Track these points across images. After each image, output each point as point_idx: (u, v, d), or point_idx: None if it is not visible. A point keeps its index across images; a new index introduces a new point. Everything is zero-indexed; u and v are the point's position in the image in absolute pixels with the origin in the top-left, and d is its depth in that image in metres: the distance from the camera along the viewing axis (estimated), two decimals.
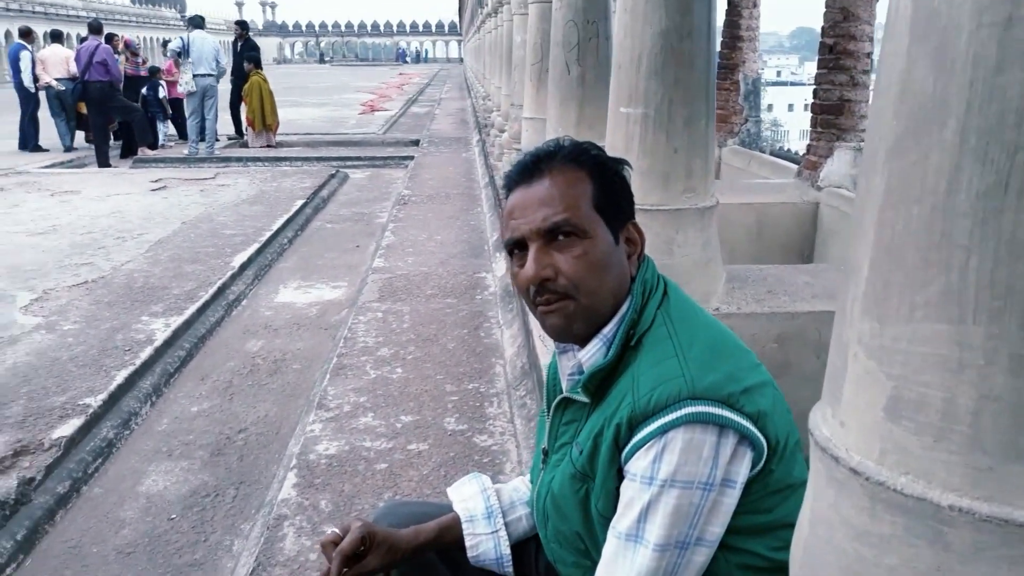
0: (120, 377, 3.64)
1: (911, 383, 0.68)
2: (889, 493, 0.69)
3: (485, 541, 1.38)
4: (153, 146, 11.76)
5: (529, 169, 1.18)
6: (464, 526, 1.38)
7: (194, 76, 11.10)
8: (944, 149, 0.65)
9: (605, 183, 1.17)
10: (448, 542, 1.39)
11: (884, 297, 0.70)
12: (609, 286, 1.16)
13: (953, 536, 0.66)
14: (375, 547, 1.32)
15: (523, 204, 1.16)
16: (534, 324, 3.45)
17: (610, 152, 2.57)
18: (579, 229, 1.13)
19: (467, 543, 1.38)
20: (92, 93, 10.69)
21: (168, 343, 4.18)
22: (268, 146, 12.50)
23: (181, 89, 11.40)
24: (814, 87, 4.66)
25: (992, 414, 0.64)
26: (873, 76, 4.21)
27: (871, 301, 0.71)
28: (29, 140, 11.85)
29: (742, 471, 1.05)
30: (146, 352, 3.96)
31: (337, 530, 1.32)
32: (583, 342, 1.21)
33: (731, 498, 1.05)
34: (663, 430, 1.02)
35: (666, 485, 1.02)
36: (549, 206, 1.14)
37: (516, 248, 1.19)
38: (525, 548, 1.43)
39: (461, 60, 50.97)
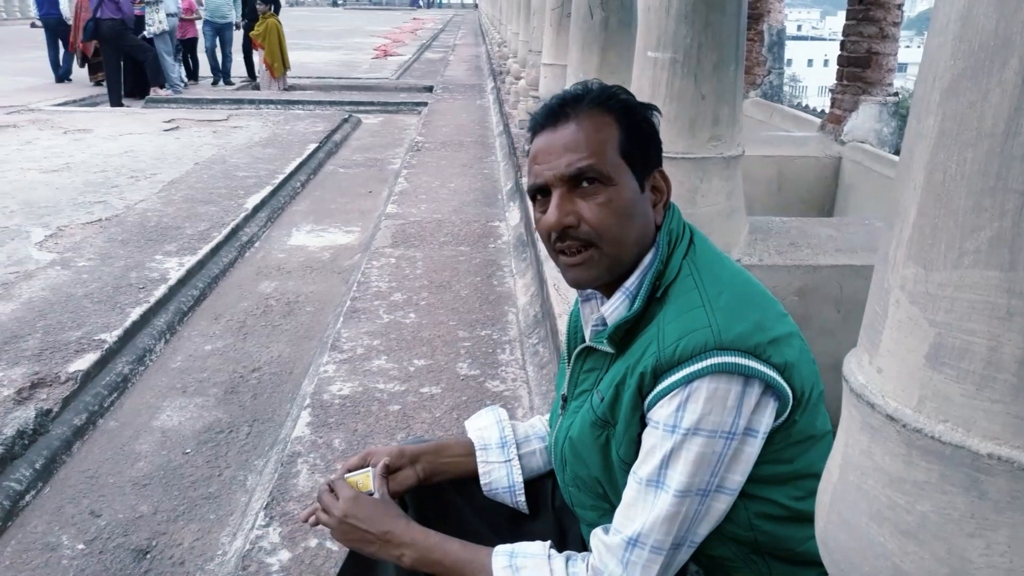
0: (135, 314, 3.66)
1: (955, 330, 0.67)
2: (926, 440, 0.69)
3: (497, 469, 1.39)
4: (163, 86, 11.59)
5: (555, 112, 1.15)
6: (478, 454, 1.40)
7: (168, 16, 11.07)
8: (1004, 90, 0.62)
9: (632, 128, 1.15)
10: (454, 460, 1.41)
11: (931, 242, 0.68)
12: (633, 235, 1.14)
13: (989, 484, 0.66)
14: (366, 456, 1.40)
15: (547, 149, 1.14)
16: (548, 273, 3.44)
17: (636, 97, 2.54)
18: (604, 176, 1.11)
19: (480, 471, 1.39)
20: (104, 31, 10.47)
21: (182, 282, 4.20)
22: (285, 90, 12.41)
23: (149, 31, 11.00)
24: (841, 39, 4.56)
25: None
26: (903, 31, 4.11)
27: (917, 246, 0.70)
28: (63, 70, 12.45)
29: (765, 421, 1.05)
30: (160, 290, 3.98)
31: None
32: (606, 291, 1.19)
33: (753, 447, 1.05)
34: (688, 379, 1.02)
35: (689, 433, 1.02)
36: (574, 151, 1.11)
37: (539, 194, 1.17)
38: (541, 485, 1.44)
39: (475, 6, 50.12)
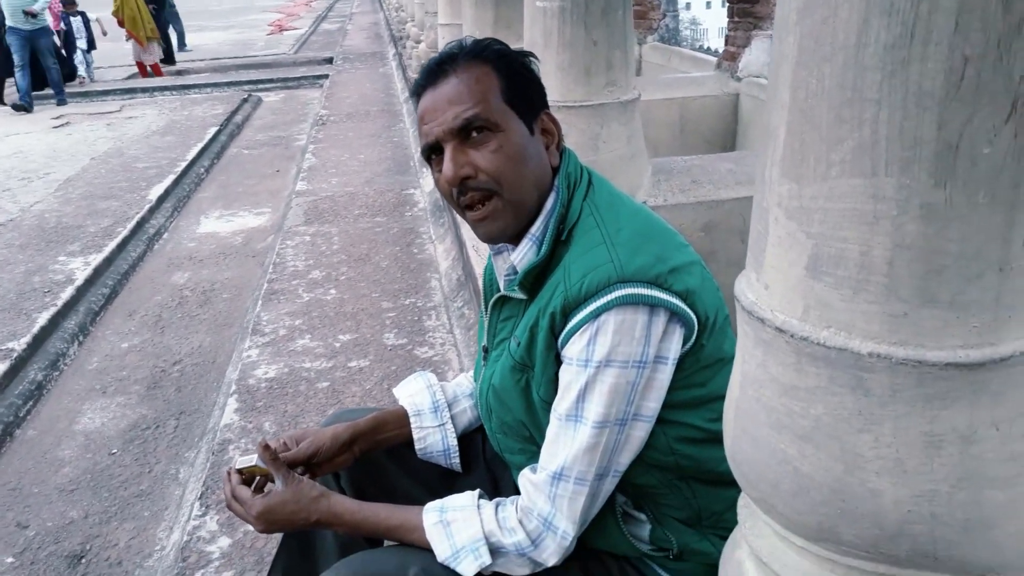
0: (43, 319, 3.53)
1: (830, 239, 0.70)
2: (813, 347, 0.72)
3: (432, 434, 1.41)
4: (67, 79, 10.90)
5: (434, 72, 1.16)
6: (412, 420, 1.41)
7: None
8: (852, 3, 0.65)
9: (512, 75, 1.16)
10: (390, 432, 1.41)
11: (801, 158, 0.71)
12: (531, 177, 1.15)
13: (872, 382, 0.70)
14: (299, 439, 1.37)
15: (433, 107, 1.15)
16: (467, 235, 3.44)
17: (529, 48, 2.54)
18: (491, 123, 1.12)
19: (415, 436, 1.40)
20: None
21: (90, 281, 4.05)
22: (163, 61, 11.93)
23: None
24: None
25: (905, 262, 0.66)
26: None
27: (788, 163, 0.73)
28: None
29: (673, 347, 1.08)
30: (67, 292, 3.84)
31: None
32: (515, 241, 1.21)
33: (664, 374, 1.08)
34: (596, 314, 1.04)
35: (602, 365, 1.04)
36: (458, 104, 1.12)
37: (433, 153, 1.17)
38: (471, 441, 1.46)
39: None
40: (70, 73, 11.04)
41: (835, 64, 0.67)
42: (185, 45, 14.05)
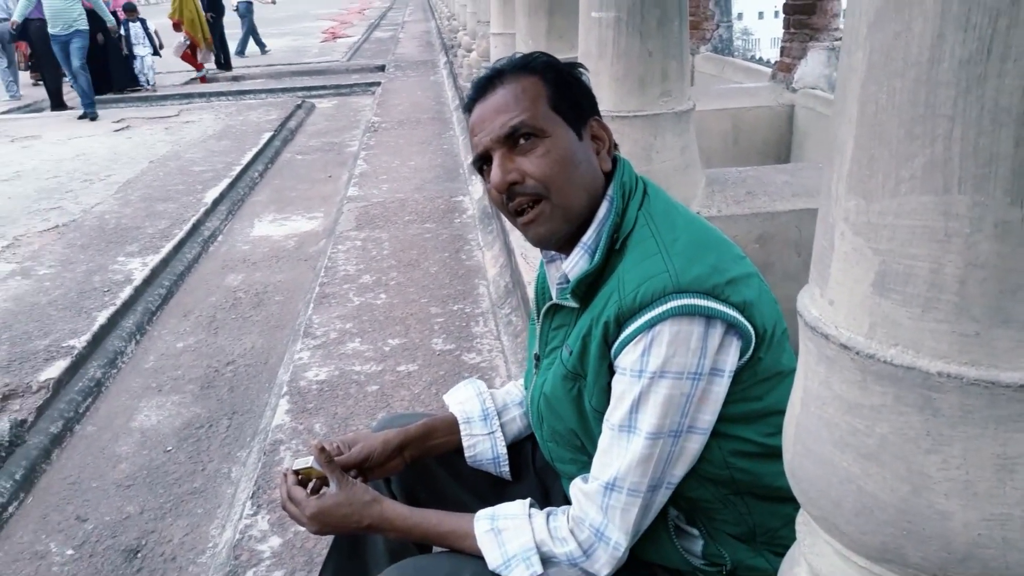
0: (102, 317, 3.63)
1: (898, 256, 0.69)
2: (879, 365, 0.71)
3: (482, 442, 1.41)
4: (123, 88, 11.18)
5: (484, 85, 1.20)
6: (461, 427, 1.42)
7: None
8: (926, 18, 0.64)
9: (559, 83, 1.19)
10: (440, 440, 1.42)
11: (869, 173, 0.70)
12: (580, 181, 1.17)
13: (941, 402, 0.68)
14: (351, 443, 1.38)
15: (481, 118, 1.18)
16: (515, 242, 3.45)
17: (584, 59, 2.55)
18: (537, 129, 1.14)
19: (464, 444, 1.41)
20: (31, 32, 9.81)
21: (147, 281, 4.16)
22: (220, 67, 12.21)
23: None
24: None
25: (978, 281, 0.65)
26: None
27: (856, 178, 0.72)
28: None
29: (730, 359, 1.07)
30: (126, 291, 3.94)
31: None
32: (566, 248, 1.21)
33: (720, 386, 1.07)
34: (651, 324, 1.04)
35: (656, 376, 1.04)
36: (505, 112, 1.15)
37: (484, 163, 1.20)
38: (521, 449, 1.47)
39: None
40: (132, 79, 11.30)
41: (907, 79, 0.66)
42: (243, 53, 14.33)
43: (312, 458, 1.31)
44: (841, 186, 0.74)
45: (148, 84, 11.22)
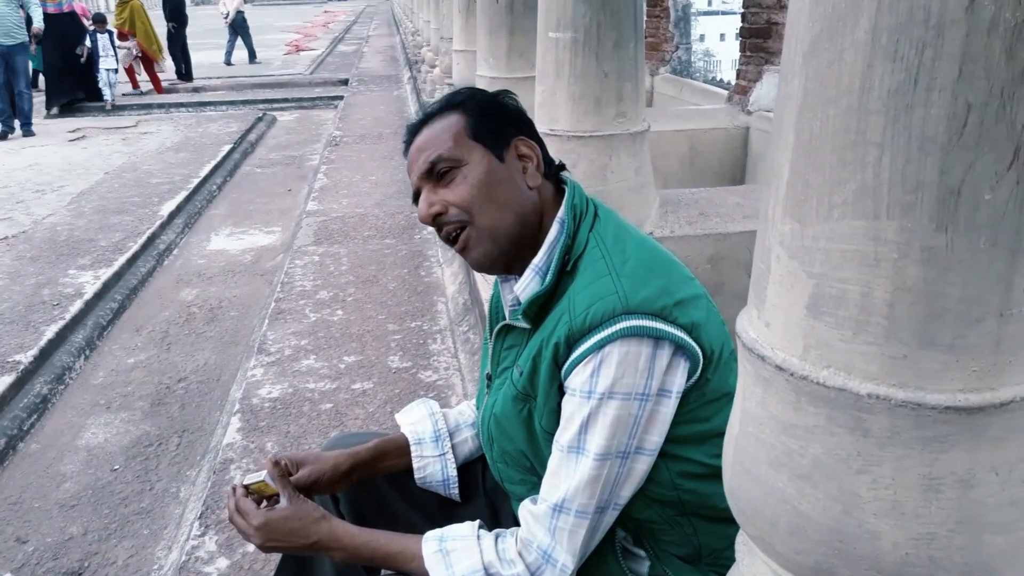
0: (50, 332, 3.54)
1: (831, 280, 0.70)
2: (812, 386, 0.72)
3: (432, 463, 1.41)
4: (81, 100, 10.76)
5: (414, 128, 1.26)
6: (412, 448, 1.41)
7: None
8: (857, 48, 0.66)
9: (479, 112, 1.22)
10: (391, 462, 1.41)
11: (804, 198, 0.72)
12: (502, 200, 1.19)
13: (871, 423, 0.70)
14: (300, 463, 1.35)
15: (410, 159, 1.24)
16: None
17: (541, 79, 2.56)
18: (453, 160, 1.18)
19: (415, 465, 1.40)
20: None
21: (99, 295, 4.07)
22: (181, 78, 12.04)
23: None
24: (742, 11, 4.67)
25: (906, 305, 0.67)
26: None
27: (792, 203, 0.73)
28: None
29: (678, 381, 1.08)
30: (76, 306, 3.85)
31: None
32: (517, 270, 1.22)
33: (668, 407, 1.08)
34: (600, 345, 1.05)
35: (605, 397, 1.05)
36: (426, 150, 1.21)
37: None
38: (471, 469, 1.46)
39: None
40: (96, 92, 10.85)
41: (839, 107, 0.68)
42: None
43: (264, 473, 1.29)
44: (777, 210, 0.76)
45: (111, 99, 10.74)
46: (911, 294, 0.66)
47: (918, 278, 0.66)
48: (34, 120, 9.05)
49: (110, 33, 10.98)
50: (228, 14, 14.98)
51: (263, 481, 1.29)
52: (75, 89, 10.47)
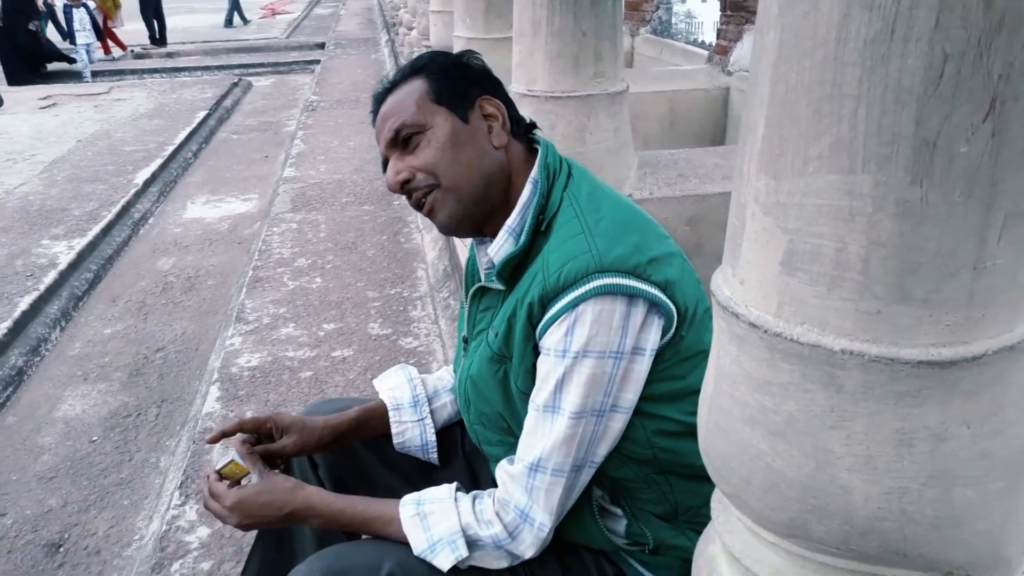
0: (24, 303, 3.49)
1: (805, 235, 0.69)
2: (786, 343, 0.72)
3: (411, 429, 1.40)
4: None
5: (380, 98, 1.25)
6: (391, 414, 1.40)
7: None
8: None
9: (440, 76, 1.21)
10: (372, 429, 1.41)
11: (779, 153, 0.71)
12: (466, 161, 1.18)
13: (845, 378, 0.70)
14: (287, 430, 1.34)
15: (377, 129, 1.24)
16: None
17: (518, 38, 2.52)
18: (416, 125, 1.18)
19: (393, 431, 1.40)
20: None
21: (73, 266, 4.02)
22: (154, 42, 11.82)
23: None
24: None
25: (880, 259, 0.66)
26: None
27: (767, 158, 0.72)
28: None
29: (652, 338, 1.07)
30: (50, 276, 3.80)
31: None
32: (488, 231, 1.21)
33: (642, 365, 1.08)
34: (574, 304, 1.04)
35: (579, 356, 1.04)
36: (390, 118, 1.20)
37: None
38: (450, 434, 1.46)
39: None
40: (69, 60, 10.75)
41: (815, 59, 0.66)
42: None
43: (232, 452, 1.27)
44: (752, 165, 0.74)
45: (85, 77, 10.48)
46: (886, 248, 0.66)
47: (893, 232, 0.65)
48: (1, 89, 8.83)
49: (85, 6, 10.69)
50: None
51: (233, 461, 1.27)
52: (33, 67, 10.22)
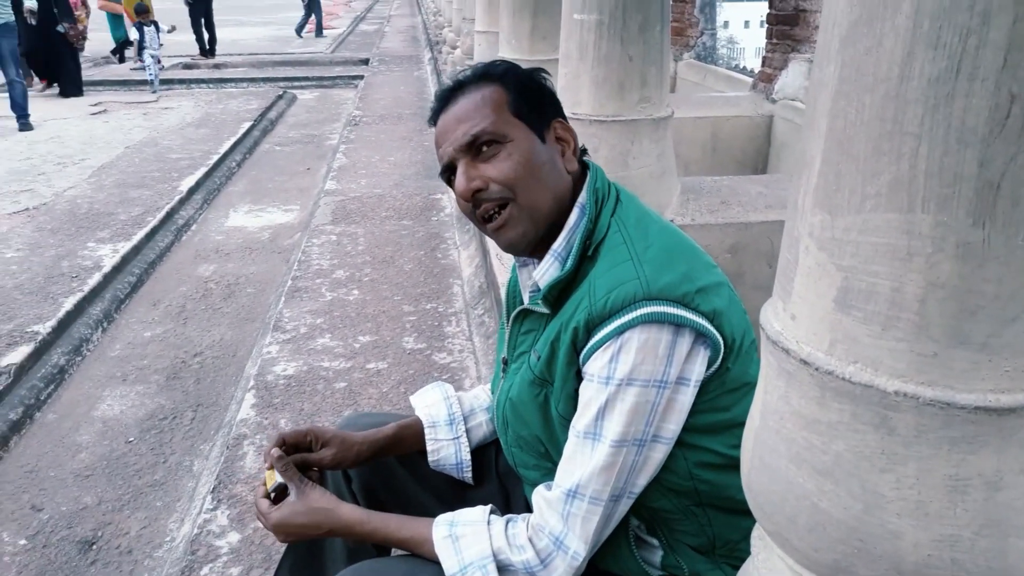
0: (68, 304, 3.56)
1: (861, 273, 0.69)
2: (838, 382, 0.71)
3: (446, 447, 1.40)
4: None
5: (446, 96, 1.22)
6: (426, 431, 1.40)
7: None
8: (897, 35, 0.64)
9: (519, 88, 1.19)
10: (408, 446, 1.41)
11: (836, 188, 0.70)
12: (544, 182, 1.16)
13: (897, 420, 0.68)
14: (327, 443, 1.35)
15: (444, 129, 1.19)
16: (491, 243, 3.44)
17: (564, 61, 2.54)
18: (498, 135, 1.15)
19: (428, 448, 1.40)
20: None
21: (117, 269, 4.09)
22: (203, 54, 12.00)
23: None
24: None
25: (938, 301, 0.65)
26: None
27: (823, 193, 0.71)
28: None
29: (697, 369, 1.06)
30: (94, 278, 3.88)
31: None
32: (538, 253, 1.20)
33: (686, 396, 1.07)
34: (620, 331, 1.03)
35: (623, 384, 1.03)
36: (466, 121, 1.16)
37: (451, 174, 1.20)
38: (484, 453, 1.46)
39: None
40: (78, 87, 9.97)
41: (876, 95, 0.66)
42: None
43: (276, 475, 1.30)
44: (808, 200, 0.74)
45: (154, 89, 10.19)
46: (944, 290, 0.65)
47: (952, 274, 0.64)
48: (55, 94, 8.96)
49: (155, 23, 10.78)
50: None
51: (269, 472, 1.30)
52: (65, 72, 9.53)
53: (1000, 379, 0.65)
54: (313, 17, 16.72)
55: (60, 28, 9.16)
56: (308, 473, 1.33)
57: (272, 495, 1.29)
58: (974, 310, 0.64)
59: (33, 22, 8.77)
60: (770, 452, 0.79)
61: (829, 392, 0.72)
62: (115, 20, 12.68)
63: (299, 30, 16.37)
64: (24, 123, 7.67)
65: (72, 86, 9.66)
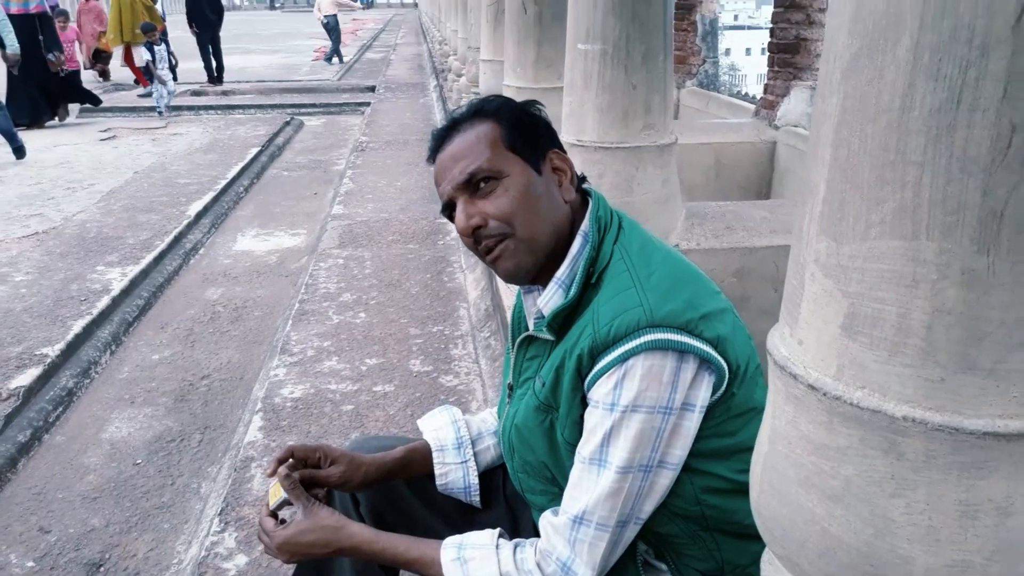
0: (77, 327, 3.58)
1: (867, 299, 0.70)
2: (845, 407, 0.72)
3: (454, 470, 1.41)
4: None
5: (442, 135, 1.24)
6: (434, 455, 1.41)
7: None
8: (898, 66, 0.65)
9: (513, 122, 1.21)
10: (415, 470, 1.42)
11: (840, 216, 0.71)
12: (542, 213, 1.18)
13: (906, 446, 0.69)
14: (335, 461, 1.35)
15: (442, 167, 1.21)
16: None
17: (569, 90, 2.56)
18: (494, 171, 1.17)
19: (436, 472, 1.40)
20: None
21: (125, 292, 4.12)
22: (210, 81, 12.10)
23: None
24: (771, 26, 4.65)
25: (944, 327, 0.66)
26: None
27: (828, 221, 0.73)
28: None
29: (702, 395, 1.07)
30: (103, 302, 3.90)
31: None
32: (542, 280, 1.22)
33: (691, 422, 1.08)
34: (624, 357, 1.04)
35: (628, 410, 1.04)
36: (463, 159, 1.18)
37: (451, 211, 1.22)
38: (492, 477, 1.46)
39: (415, 5, 49.69)
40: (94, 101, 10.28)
41: (879, 125, 0.67)
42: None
43: (283, 492, 1.30)
44: (813, 227, 0.75)
45: (160, 110, 10.18)
46: (950, 316, 0.66)
47: (958, 300, 0.65)
48: (68, 119, 9.00)
49: (166, 43, 10.76)
50: (324, 19, 16.36)
51: (275, 485, 1.30)
52: (45, 106, 9.24)
53: (1008, 404, 0.66)
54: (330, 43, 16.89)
55: (51, 57, 9.01)
56: (313, 491, 1.33)
57: (276, 514, 1.29)
58: (980, 336, 0.65)
59: (15, 72, 8.37)
60: (779, 477, 0.80)
61: (837, 417, 0.73)
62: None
63: (329, 58, 16.59)
64: (19, 153, 7.32)
65: (84, 101, 9.89)
